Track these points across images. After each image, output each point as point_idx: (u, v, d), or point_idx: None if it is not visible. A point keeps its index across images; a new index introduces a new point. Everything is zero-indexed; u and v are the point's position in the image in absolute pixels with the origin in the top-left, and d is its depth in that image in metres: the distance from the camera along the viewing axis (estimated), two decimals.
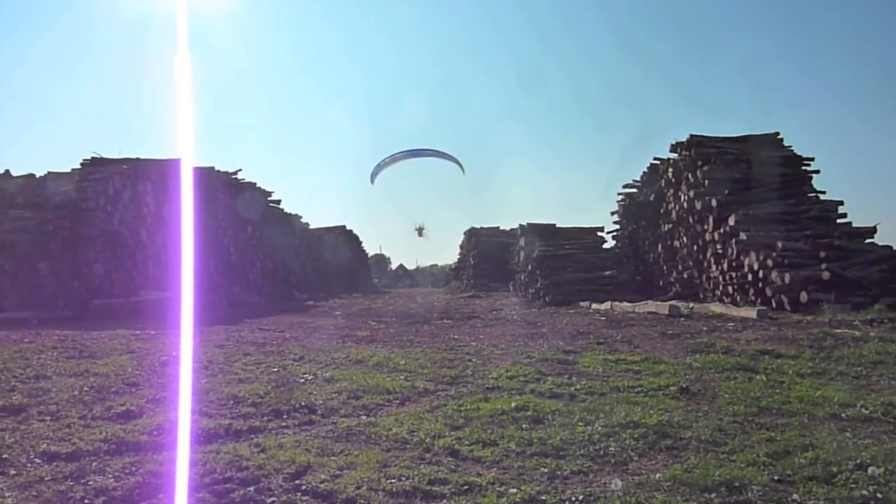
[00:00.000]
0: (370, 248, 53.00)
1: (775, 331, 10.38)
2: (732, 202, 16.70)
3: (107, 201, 17.58)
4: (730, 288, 16.27)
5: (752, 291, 15.21)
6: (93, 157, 19.88)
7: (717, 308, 14.10)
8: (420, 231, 33.90)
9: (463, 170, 26.34)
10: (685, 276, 19.21)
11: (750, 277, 15.23)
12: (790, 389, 6.07)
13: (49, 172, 19.21)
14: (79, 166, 19.64)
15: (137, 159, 19.75)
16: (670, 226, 20.13)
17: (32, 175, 19.26)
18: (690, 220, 18.56)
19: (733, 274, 16.12)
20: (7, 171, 19.42)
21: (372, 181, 26.38)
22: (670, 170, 19.78)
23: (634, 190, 23.07)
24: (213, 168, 23.18)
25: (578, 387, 6.31)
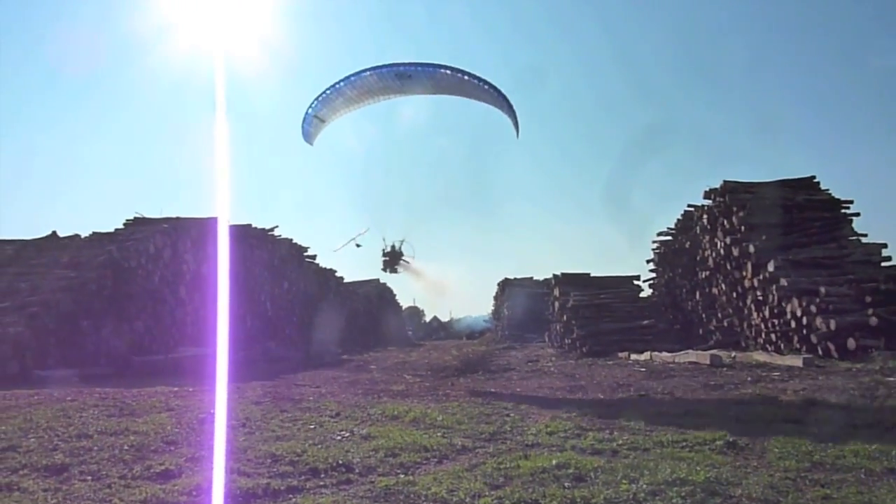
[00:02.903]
0: (404, 301, 53.08)
1: (823, 380, 10.03)
2: (771, 248, 16.40)
3: (148, 260, 18.03)
4: (773, 335, 15.83)
5: (796, 339, 14.78)
6: (135, 217, 20.54)
7: (760, 357, 13.70)
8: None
9: (517, 130, 14.35)
10: (725, 323, 18.78)
11: (793, 324, 14.82)
12: (843, 442, 5.82)
13: (93, 233, 19.86)
14: (122, 226, 20.31)
15: (178, 218, 20.32)
16: (707, 273, 19.81)
17: (77, 235, 19.94)
18: (728, 267, 18.25)
19: (775, 321, 15.71)
20: (54, 233, 20.13)
21: (308, 136, 15.52)
22: (705, 216, 19.58)
23: (669, 237, 22.85)
24: (250, 225, 23.69)
25: (620, 442, 6.14)
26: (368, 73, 13.60)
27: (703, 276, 20.12)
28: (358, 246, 26.59)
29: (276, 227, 25.46)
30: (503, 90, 13.94)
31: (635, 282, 23.10)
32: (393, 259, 19.20)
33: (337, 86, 14.10)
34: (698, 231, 20.19)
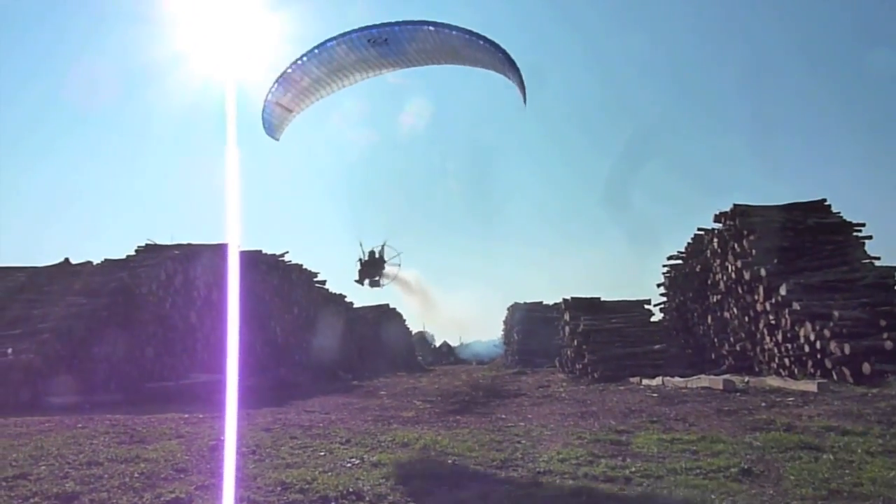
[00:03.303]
0: (414, 326, 52.94)
1: (839, 405, 9.89)
2: (782, 271, 16.30)
3: (159, 286, 18.13)
4: (786, 360, 15.66)
5: (810, 363, 14.60)
6: (147, 244, 20.71)
7: (774, 381, 13.54)
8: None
9: (524, 95, 11.62)
10: (738, 348, 18.60)
11: (807, 349, 14.66)
12: (861, 470, 5.73)
13: (105, 259, 20.03)
14: (134, 253, 20.48)
15: (189, 245, 20.48)
16: (719, 297, 19.68)
17: (90, 262, 20.12)
18: (740, 291, 18.13)
19: (789, 345, 15.55)
20: (66, 260, 20.32)
21: (271, 128, 12.64)
22: (715, 240, 19.52)
23: (679, 261, 22.77)
24: (260, 251, 23.83)
25: (633, 469, 6.07)
26: (334, 42, 11.06)
27: (715, 299, 20.00)
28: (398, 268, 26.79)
29: (287, 252, 25.61)
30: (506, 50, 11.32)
31: (646, 306, 22.97)
32: (373, 268, 16.31)
33: (300, 63, 11.40)
34: (709, 255, 20.12)
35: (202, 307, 19.58)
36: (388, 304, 44.04)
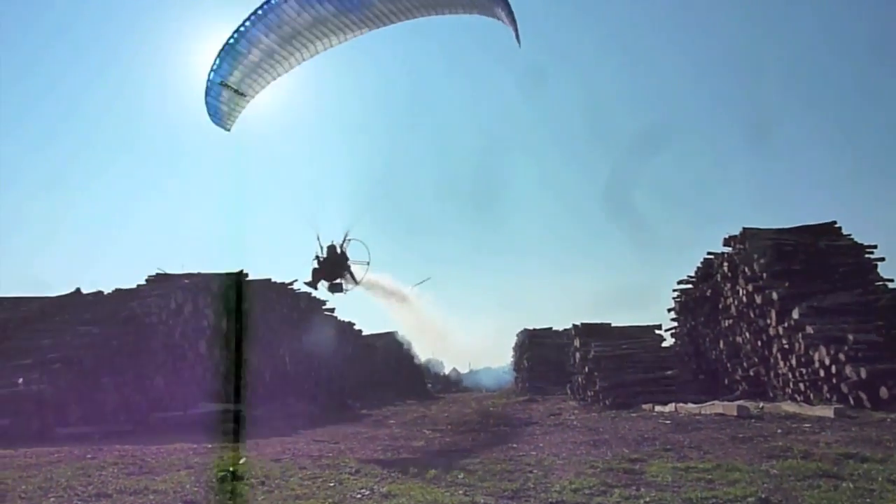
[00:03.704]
0: (423, 353, 52.64)
1: (857, 431, 9.72)
2: (794, 295, 16.17)
3: (169, 315, 18.16)
4: (801, 385, 15.45)
5: (825, 388, 14.40)
6: (157, 273, 20.81)
7: (789, 407, 13.34)
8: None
9: (517, 34, 9.62)
10: (751, 373, 18.38)
11: (822, 373, 14.47)
12: (882, 498, 5.60)
13: (116, 289, 20.13)
14: (144, 282, 20.57)
15: (199, 274, 20.54)
16: (731, 321, 19.52)
17: (101, 292, 20.22)
18: (752, 315, 17.97)
19: (803, 370, 15.36)
20: (77, 290, 20.43)
21: (218, 115, 10.73)
22: (725, 264, 19.42)
23: (690, 286, 22.64)
24: (269, 280, 23.86)
25: (648, 499, 5.96)
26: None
27: (727, 324, 19.82)
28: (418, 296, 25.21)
29: (295, 280, 25.62)
30: None
31: (657, 331, 22.76)
32: (333, 267, 13.24)
33: (243, 29, 9.38)
34: (719, 279, 20.00)
35: (211, 336, 19.56)
36: (396, 332, 43.93)
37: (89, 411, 15.50)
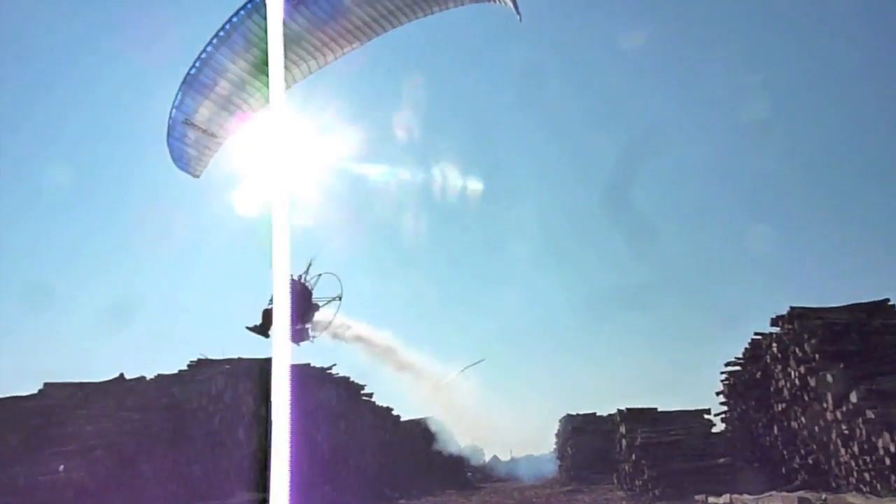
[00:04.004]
0: (463, 440, 51.33)
1: None
2: (850, 377, 15.45)
3: (209, 401, 18.26)
4: (866, 474, 14.52)
5: (893, 478, 13.50)
6: (199, 359, 21.05)
7: (855, 499, 12.53)
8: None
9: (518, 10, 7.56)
10: (810, 461, 17.38)
11: (888, 461, 13.60)
12: None
13: (158, 375, 20.39)
14: (185, 367, 20.81)
15: (239, 359, 20.72)
16: (784, 405, 18.65)
17: (143, 377, 20.49)
18: (806, 399, 17.18)
19: (867, 458, 14.46)
20: (121, 375, 20.74)
21: (183, 159, 9.06)
22: (774, 345, 18.78)
23: (738, 368, 21.86)
24: (308, 364, 23.90)
25: None
26: (245, 13, 7.49)
27: (780, 408, 18.94)
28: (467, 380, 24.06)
29: (334, 365, 25.60)
30: None
31: (706, 416, 21.90)
32: (297, 306, 10.29)
33: (206, 56, 7.83)
34: (769, 360, 19.29)
35: (250, 422, 19.51)
36: (434, 417, 43.12)
37: (128, 499, 15.40)
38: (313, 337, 11.43)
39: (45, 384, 20.24)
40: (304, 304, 10.61)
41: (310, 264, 10.51)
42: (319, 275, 10.65)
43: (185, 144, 8.77)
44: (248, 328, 10.67)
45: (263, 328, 10.72)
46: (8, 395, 19.82)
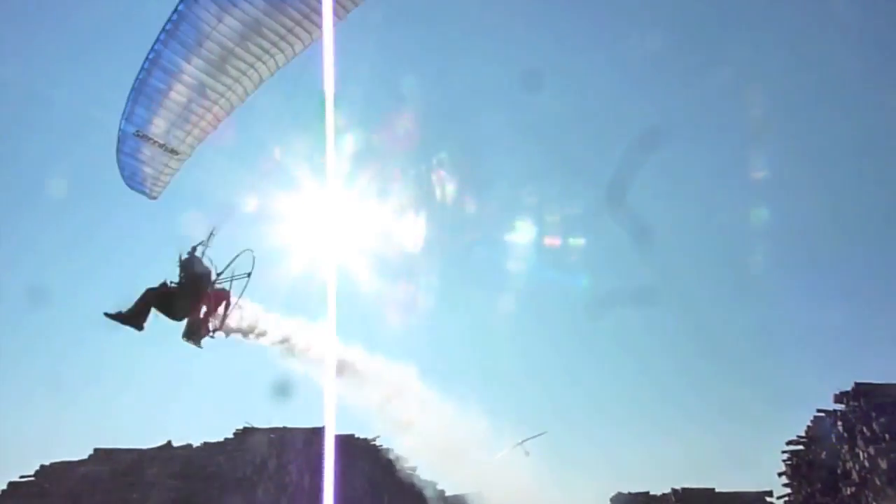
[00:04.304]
0: None
1: None
2: None
3: (253, 471, 18.17)
4: None
5: None
6: (244, 427, 21.08)
7: None
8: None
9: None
10: None
11: None
12: None
13: (204, 443, 20.44)
14: (231, 435, 20.83)
15: (284, 428, 20.67)
16: (853, 489, 17.50)
17: (190, 445, 20.57)
18: (878, 483, 16.11)
19: None
20: (168, 442, 20.86)
21: (136, 178, 7.56)
22: (839, 422, 17.82)
23: (801, 447, 20.71)
24: (352, 435, 23.65)
25: None
26: (188, 2, 6.35)
27: (849, 492, 17.76)
28: (527, 454, 23.37)
29: (378, 436, 25.22)
30: None
31: (768, 498, 20.69)
32: (188, 288, 8.13)
33: (155, 55, 6.64)
34: (834, 439, 18.26)
35: (294, 493, 19.27)
36: (480, 492, 41.75)
37: None
38: (212, 333, 8.68)
39: (95, 449, 20.51)
40: (198, 283, 8.15)
41: (211, 233, 8.26)
42: (237, 255, 8.40)
43: (139, 161, 7.36)
44: (106, 315, 8.16)
45: (132, 314, 8.15)
46: (59, 459, 20.15)
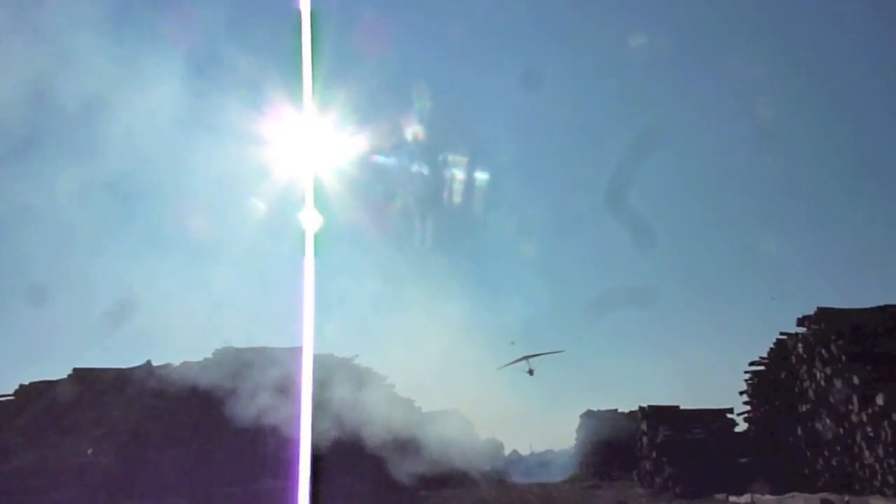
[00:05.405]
0: (482, 432, 51.35)
1: None
2: (878, 378, 15.25)
3: (233, 389, 18.50)
4: (890, 477, 14.33)
5: None
6: (224, 347, 21.36)
7: (879, 501, 12.41)
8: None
9: None
10: (834, 462, 17.17)
11: None
12: None
13: (184, 362, 20.71)
14: (211, 355, 21.12)
15: (263, 347, 20.98)
16: (808, 406, 18.43)
17: (169, 364, 20.83)
18: (831, 400, 16.97)
19: (892, 460, 14.28)
20: (148, 361, 21.10)
21: None
22: (800, 345, 18.56)
23: (762, 368, 21.63)
24: (331, 354, 24.13)
25: None
26: None
27: (804, 409, 18.72)
28: (530, 373, 23.75)
29: (357, 355, 25.80)
30: None
31: (729, 415, 21.74)
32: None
33: None
34: (794, 361, 19.08)
35: (274, 411, 19.76)
36: (457, 410, 43.20)
37: (153, 484, 15.74)
38: None
39: (75, 369, 20.70)
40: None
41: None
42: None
43: None
44: None
45: None
46: (38, 379, 20.36)
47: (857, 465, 15.95)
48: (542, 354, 20.14)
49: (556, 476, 41.78)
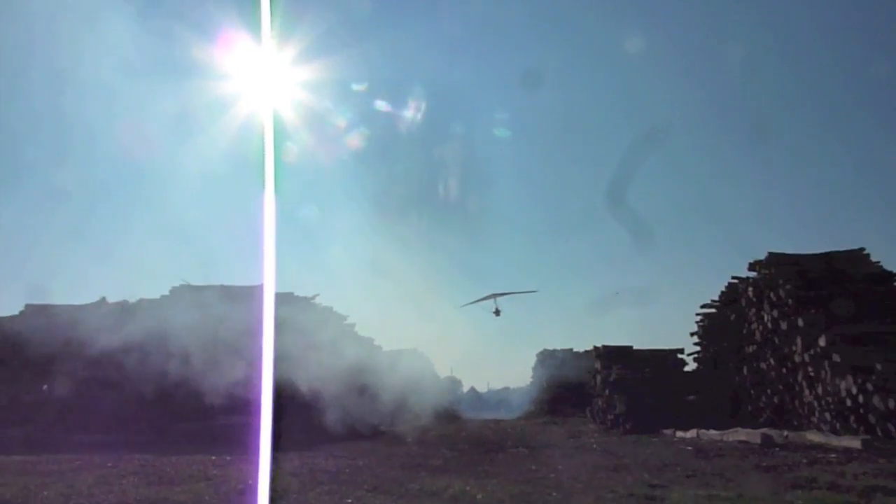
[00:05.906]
0: (441, 371, 52.32)
1: (885, 463, 9.49)
2: (821, 322, 15.88)
3: (192, 327, 18.33)
4: (827, 414, 15.12)
5: (852, 418, 14.07)
6: (181, 284, 21.05)
7: (814, 437, 13.08)
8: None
9: None
10: (776, 400, 18.03)
11: (849, 403, 14.15)
12: None
13: (141, 299, 20.39)
14: (168, 293, 20.82)
15: (222, 286, 20.75)
16: (755, 347, 19.20)
17: (126, 301, 20.48)
18: (776, 341, 17.68)
19: (829, 399, 15.03)
20: (103, 298, 20.70)
21: None
22: (750, 289, 19.16)
23: (713, 310, 22.34)
24: (292, 294, 24.01)
25: None
26: None
27: (751, 350, 19.50)
28: (497, 313, 23.63)
29: (317, 295, 25.74)
30: None
31: (679, 355, 22.51)
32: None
33: None
34: (744, 304, 19.72)
35: (232, 349, 19.70)
36: (416, 349, 43.80)
37: (111, 420, 15.69)
38: None
39: (27, 305, 20.21)
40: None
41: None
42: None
43: None
44: None
45: None
46: None
47: (797, 403, 16.78)
48: (512, 294, 20.14)
49: (513, 413, 43.01)
